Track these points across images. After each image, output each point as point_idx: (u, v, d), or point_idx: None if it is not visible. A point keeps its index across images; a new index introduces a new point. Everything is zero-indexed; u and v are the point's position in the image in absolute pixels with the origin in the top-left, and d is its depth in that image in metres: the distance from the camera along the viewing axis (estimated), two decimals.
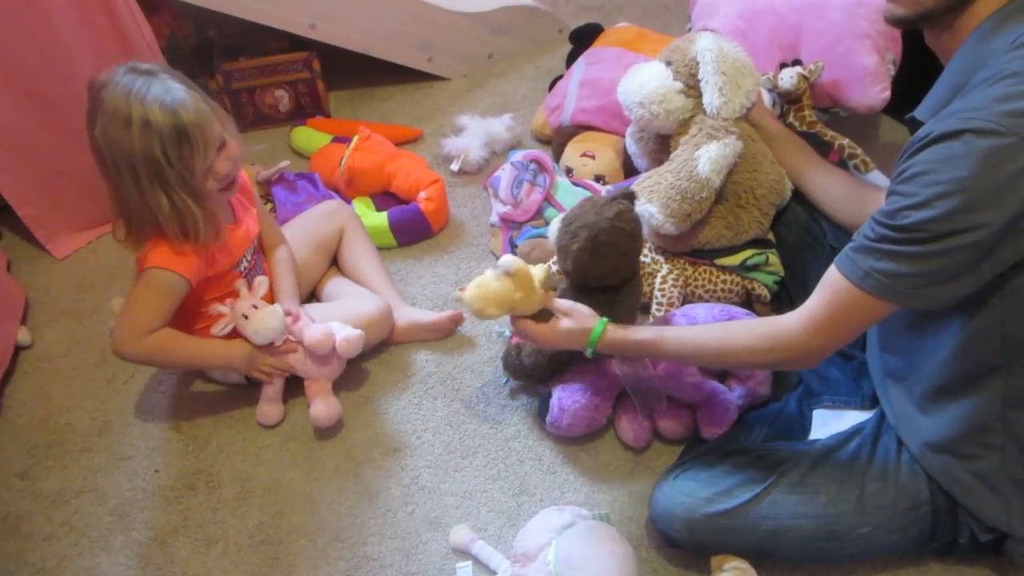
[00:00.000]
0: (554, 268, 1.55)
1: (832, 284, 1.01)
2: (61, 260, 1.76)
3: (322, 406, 1.39)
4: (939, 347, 1.05)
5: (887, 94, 1.65)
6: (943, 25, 1.00)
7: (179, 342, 1.32)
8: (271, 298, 1.44)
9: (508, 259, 1.22)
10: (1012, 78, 0.89)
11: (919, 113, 1.04)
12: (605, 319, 1.21)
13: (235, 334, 1.37)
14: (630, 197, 1.29)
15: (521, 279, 1.21)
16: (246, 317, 1.34)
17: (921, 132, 0.93)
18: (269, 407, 1.43)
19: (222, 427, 1.45)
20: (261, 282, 1.39)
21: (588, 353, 1.22)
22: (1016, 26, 0.94)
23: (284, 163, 1.81)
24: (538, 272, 1.24)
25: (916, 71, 1.26)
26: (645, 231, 1.49)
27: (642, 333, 1.19)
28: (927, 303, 0.96)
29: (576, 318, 1.22)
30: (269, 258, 1.51)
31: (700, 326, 1.31)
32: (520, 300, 1.22)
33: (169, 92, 1.17)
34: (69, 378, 1.54)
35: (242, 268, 1.39)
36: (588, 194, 1.70)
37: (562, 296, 1.31)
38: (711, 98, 1.42)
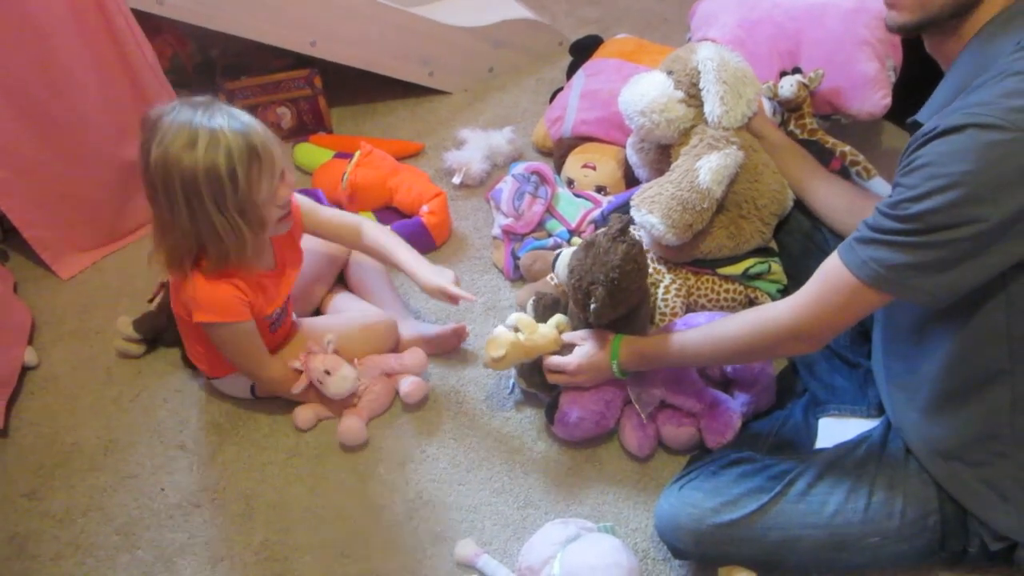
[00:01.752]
0: (553, 281, 1.56)
1: (828, 271, 1.02)
2: (67, 281, 1.76)
3: (353, 423, 1.41)
4: (942, 351, 1.04)
5: (888, 100, 1.64)
6: (946, 30, 1.00)
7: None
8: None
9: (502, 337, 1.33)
10: (1019, 75, 0.89)
11: (921, 116, 1.04)
12: (620, 335, 1.29)
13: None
14: (626, 227, 1.26)
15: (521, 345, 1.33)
16: (328, 373, 1.39)
17: (926, 126, 0.93)
18: (309, 412, 1.45)
19: (227, 444, 1.45)
20: (331, 340, 1.42)
21: (615, 370, 1.28)
22: (1020, 28, 0.94)
23: None
24: (548, 331, 1.35)
25: (917, 77, 1.26)
26: (647, 241, 1.49)
27: (656, 339, 1.26)
28: (919, 296, 0.96)
29: (591, 340, 1.31)
30: (363, 243, 1.50)
31: (701, 326, 1.31)
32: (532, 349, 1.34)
33: (236, 116, 1.18)
34: (75, 398, 1.54)
35: (273, 315, 1.38)
36: (589, 205, 1.71)
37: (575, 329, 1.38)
38: (712, 107, 1.42)
